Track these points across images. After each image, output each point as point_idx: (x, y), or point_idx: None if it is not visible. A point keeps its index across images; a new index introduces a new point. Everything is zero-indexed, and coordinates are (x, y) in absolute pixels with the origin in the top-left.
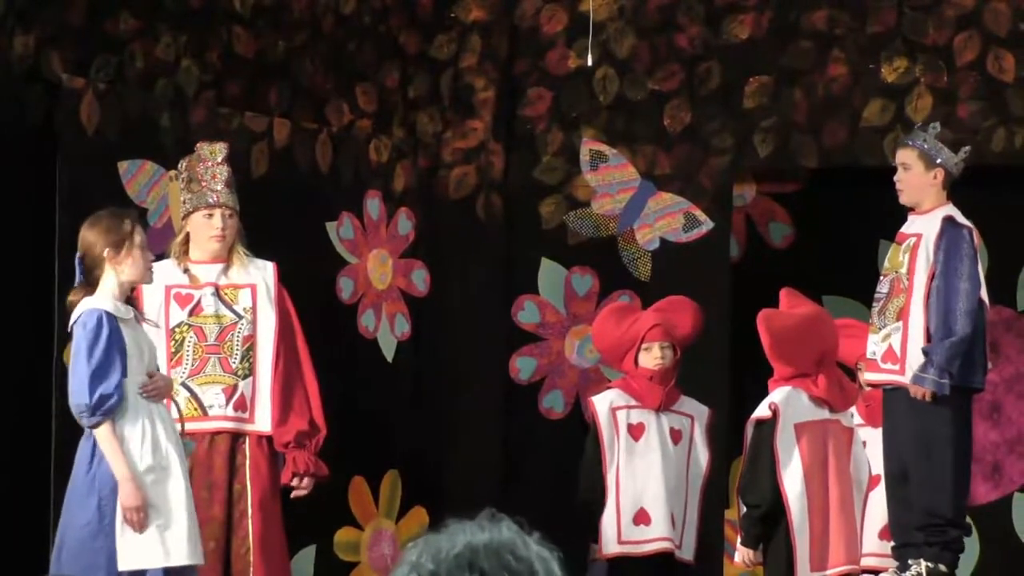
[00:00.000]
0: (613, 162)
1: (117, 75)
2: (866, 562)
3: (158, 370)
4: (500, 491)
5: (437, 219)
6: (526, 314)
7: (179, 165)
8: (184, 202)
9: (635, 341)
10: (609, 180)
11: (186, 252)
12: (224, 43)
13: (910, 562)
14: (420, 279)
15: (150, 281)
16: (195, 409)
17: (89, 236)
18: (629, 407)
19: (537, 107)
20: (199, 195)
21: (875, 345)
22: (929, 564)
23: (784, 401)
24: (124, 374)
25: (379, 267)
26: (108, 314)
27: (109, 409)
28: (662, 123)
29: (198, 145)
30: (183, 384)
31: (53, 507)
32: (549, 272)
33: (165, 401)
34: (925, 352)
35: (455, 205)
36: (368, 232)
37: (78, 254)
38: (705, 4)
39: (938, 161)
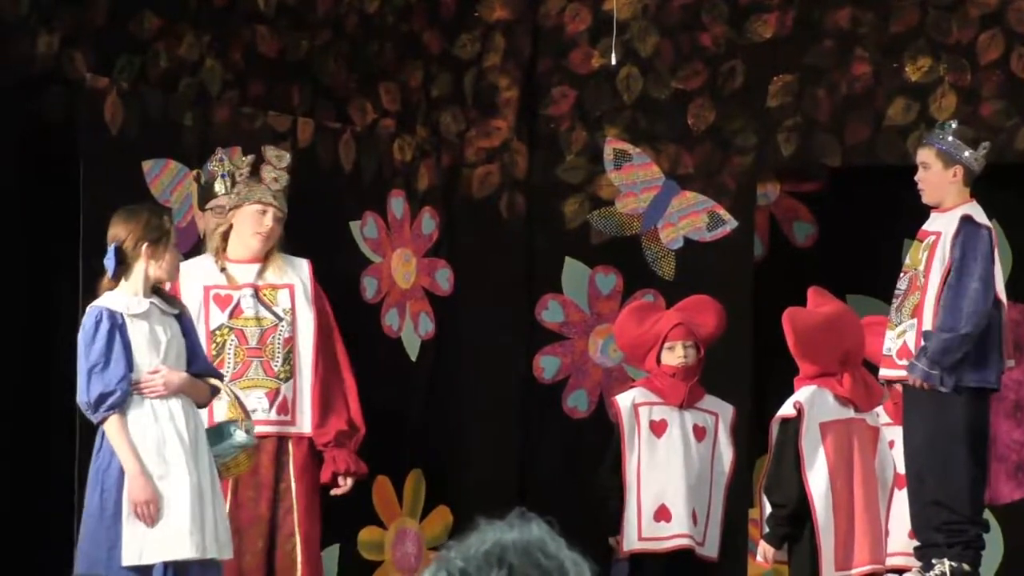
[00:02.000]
0: (637, 161)
1: (140, 75)
2: (894, 561)
3: (174, 363)
4: (523, 490)
5: (461, 218)
6: (550, 313)
7: (233, 159)
8: (236, 194)
9: (657, 340)
10: (633, 179)
11: (224, 248)
12: (247, 42)
13: (934, 561)
14: (444, 278)
15: (175, 279)
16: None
17: (124, 228)
18: (651, 404)
19: (560, 106)
20: (258, 190)
21: (891, 341)
22: (953, 564)
23: (809, 400)
24: (129, 369)
25: (403, 266)
26: (109, 311)
27: (112, 405)
28: (686, 122)
29: (265, 147)
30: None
31: (77, 503)
32: (573, 271)
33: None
34: (924, 341)
35: (479, 204)
36: (392, 231)
37: (114, 244)
38: (729, 3)
39: (957, 158)
